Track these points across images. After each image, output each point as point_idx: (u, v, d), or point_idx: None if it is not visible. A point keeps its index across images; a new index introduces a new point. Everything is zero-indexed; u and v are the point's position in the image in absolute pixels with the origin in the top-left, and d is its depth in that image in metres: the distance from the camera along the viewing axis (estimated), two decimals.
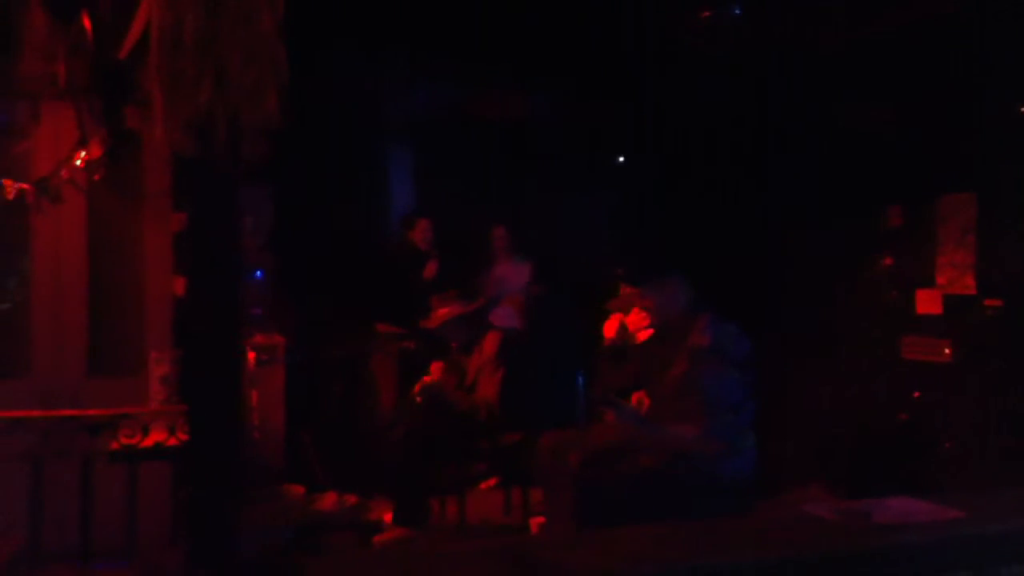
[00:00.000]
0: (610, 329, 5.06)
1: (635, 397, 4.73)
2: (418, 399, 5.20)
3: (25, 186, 5.13)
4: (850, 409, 5.76)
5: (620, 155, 6.59)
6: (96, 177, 5.11)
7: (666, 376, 4.75)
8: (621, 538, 3.03)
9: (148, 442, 3.70)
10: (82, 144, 5.17)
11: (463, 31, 5.48)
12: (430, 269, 6.08)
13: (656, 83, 5.92)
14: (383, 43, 5.52)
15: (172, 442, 3.68)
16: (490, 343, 5.32)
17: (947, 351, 5.36)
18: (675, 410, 4.69)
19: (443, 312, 5.67)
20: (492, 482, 5.33)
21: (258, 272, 5.80)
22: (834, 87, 5.65)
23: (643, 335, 4.97)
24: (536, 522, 4.89)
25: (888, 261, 5.76)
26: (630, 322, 4.99)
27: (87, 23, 5.01)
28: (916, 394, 5.56)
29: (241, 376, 2.96)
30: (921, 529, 3.12)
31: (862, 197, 5.72)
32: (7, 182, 5.13)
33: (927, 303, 5.58)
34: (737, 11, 5.25)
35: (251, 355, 4.95)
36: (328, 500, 4.93)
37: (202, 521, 2.61)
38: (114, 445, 3.70)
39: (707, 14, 5.26)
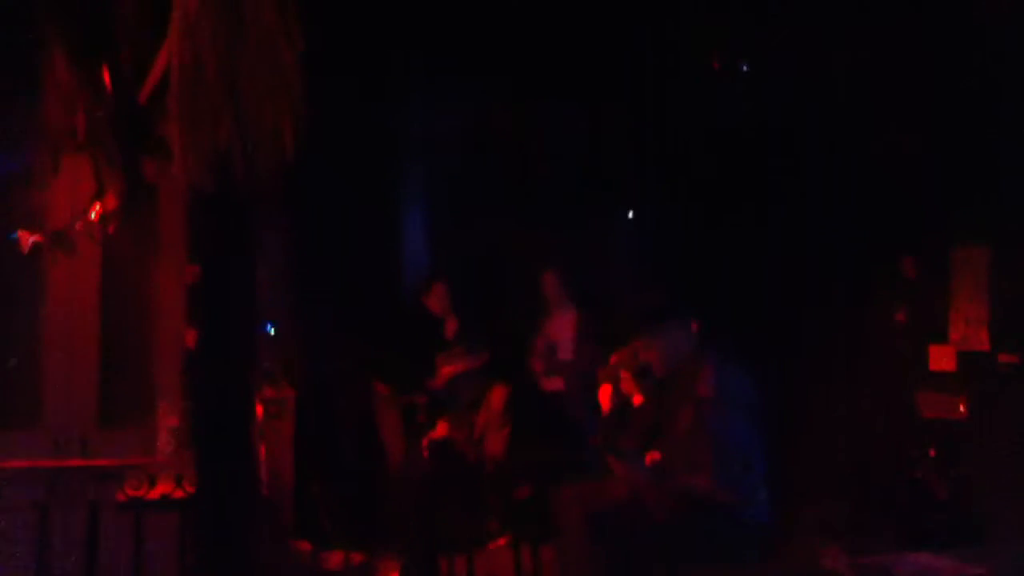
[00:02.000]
0: (604, 399, 5.05)
1: (649, 457, 4.68)
2: (425, 454, 5.15)
3: (39, 238, 5.18)
4: (864, 464, 5.68)
5: (631, 208, 6.62)
6: (111, 229, 5.15)
7: (674, 428, 4.72)
8: None
9: (155, 494, 3.67)
10: (99, 195, 5.23)
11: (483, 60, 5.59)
12: (449, 331, 6.02)
13: (671, 137, 5.98)
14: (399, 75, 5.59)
15: (179, 494, 3.64)
16: (497, 398, 5.29)
17: (962, 408, 5.30)
18: (685, 461, 4.65)
19: (448, 371, 5.64)
20: (502, 541, 5.24)
21: (268, 325, 5.79)
22: (849, 136, 5.69)
23: (637, 400, 4.96)
24: None
25: (901, 314, 5.73)
26: (623, 389, 4.97)
27: (107, 73, 5.11)
28: (932, 452, 5.48)
29: (252, 430, 2.95)
30: None
31: (876, 246, 5.72)
32: (22, 234, 5.18)
33: (941, 359, 5.54)
34: (744, 68, 5.32)
35: (259, 408, 4.92)
36: (335, 559, 4.86)
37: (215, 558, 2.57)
38: (121, 496, 3.67)
39: (716, 65, 5.34)
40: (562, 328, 6.02)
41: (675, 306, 5.29)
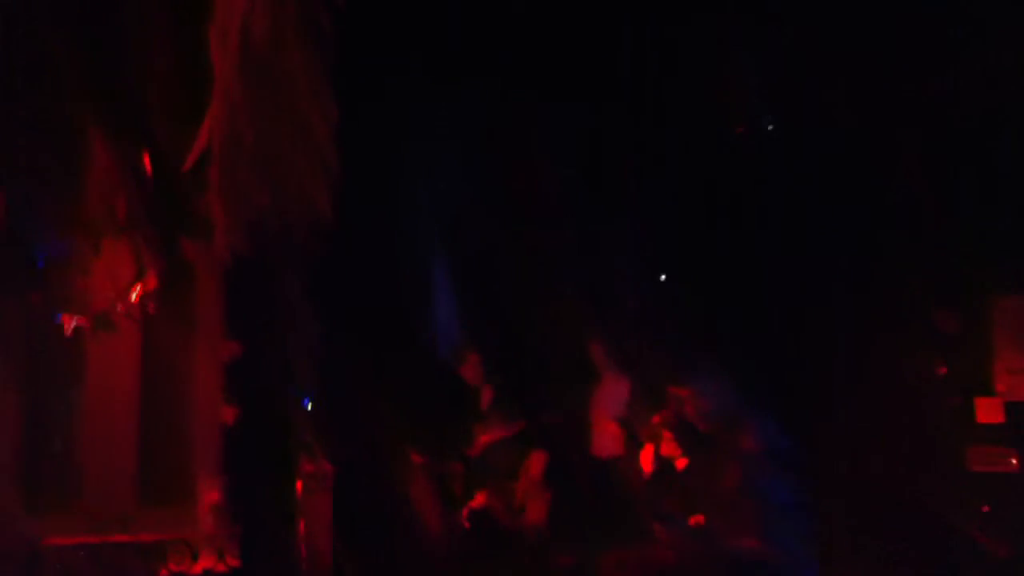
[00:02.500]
0: (646, 459, 5.01)
1: (692, 520, 4.62)
2: (466, 524, 5.10)
3: (82, 321, 5.27)
4: (916, 524, 5.52)
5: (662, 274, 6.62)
6: (151, 309, 5.23)
7: (719, 487, 4.65)
8: None
9: (197, 568, 3.65)
10: (139, 276, 5.33)
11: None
12: (484, 400, 6.00)
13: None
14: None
15: (221, 568, 3.62)
16: (536, 464, 5.25)
17: (1014, 461, 5.17)
18: (732, 522, 4.58)
19: (486, 439, 5.61)
20: None
21: (306, 400, 5.80)
22: (887, 188, 5.68)
23: (681, 463, 4.91)
24: None
25: (943, 368, 5.63)
26: (664, 452, 4.94)
27: (146, 157, 5.26)
28: (985, 508, 5.33)
29: (293, 505, 2.95)
30: None
31: (914, 298, 5.65)
32: (65, 317, 5.28)
33: (988, 412, 5.42)
34: (769, 127, 5.37)
35: (299, 484, 4.90)
36: None
37: None
38: (164, 572, 3.66)
39: (740, 130, 5.39)
40: (617, 393, 5.97)
41: (714, 359, 5.28)
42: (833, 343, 5.87)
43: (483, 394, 6.01)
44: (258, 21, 3.10)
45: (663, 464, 4.86)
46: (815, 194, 5.84)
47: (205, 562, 3.70)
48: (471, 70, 5.52)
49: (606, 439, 6.00)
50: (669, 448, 4.85)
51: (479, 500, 5.19)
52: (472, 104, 5.72)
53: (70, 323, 5.11)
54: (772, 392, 4.98)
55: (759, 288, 6.00)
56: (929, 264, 5.62)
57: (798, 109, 5.79)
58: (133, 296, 5.23)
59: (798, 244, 5.87)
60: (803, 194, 5.89)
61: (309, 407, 5.69)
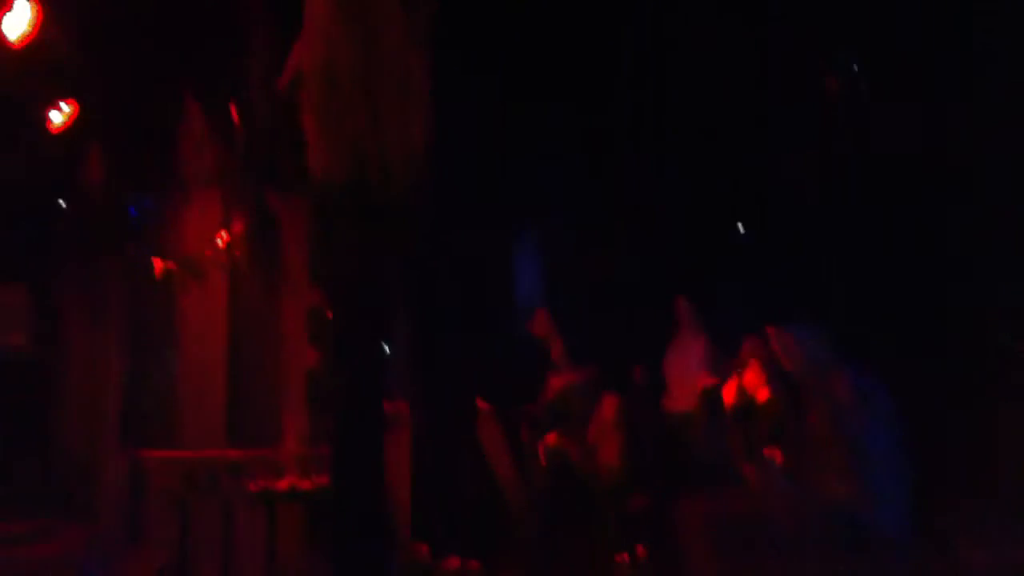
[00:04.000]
0: (728, 394, 5.00)
1: (766, 453, 4.61)
2: (543, 462, 5.19)
3: (172, 265, 5.53)
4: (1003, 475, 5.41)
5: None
6: (237, 254, 5.45)
7: (805, 432, 4.62)
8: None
9: (283, 484, 3.83)
10: (225, 225, 5.57)
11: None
12: (554, 354, 6.11)
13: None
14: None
15: (306, 485, 3.79)
16: (608, 408, 5.30)
17: None
18: (818, 465, 4.54)
19: (558, 383, 5.70)
20: (625, 556, 5.17)
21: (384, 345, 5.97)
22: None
23: (762, 394, 4.89)
24: None
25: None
26: (747, 383, 4.92)
27: (235, 115, 5.48)
28: None
29: (380, 432, 3.08)
30: None
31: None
32: (156, 261, 5.55)
33: None
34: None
35: None
36: (452, 564, 4.92)
37: (347, 554, 2.67)
38: (252, 487, 3.85)
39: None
40: (691, 352, 6.02)
41: (809, 311, 5.24)
42: (930, 303, 5.78)
43: (553, 348, 6.10)
44: None
45: (746, 397, 4.86)
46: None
47: (291, 478, 3.87)
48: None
49: (679, 394, 6.05)
50: (752, 379, 4.84)
51: (551, 439, 5.27)
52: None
53: (160, 267, 5.37)
54: (867, 341, 4.95)
55: (854, 237, 5.95)
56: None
57: None
58: (220, 243, 5.47)
59: (895, 192, 5.80)
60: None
61: (388, 350, 5.87)
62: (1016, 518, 4.82)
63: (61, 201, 5.59)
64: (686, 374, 5.98)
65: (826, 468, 4.43)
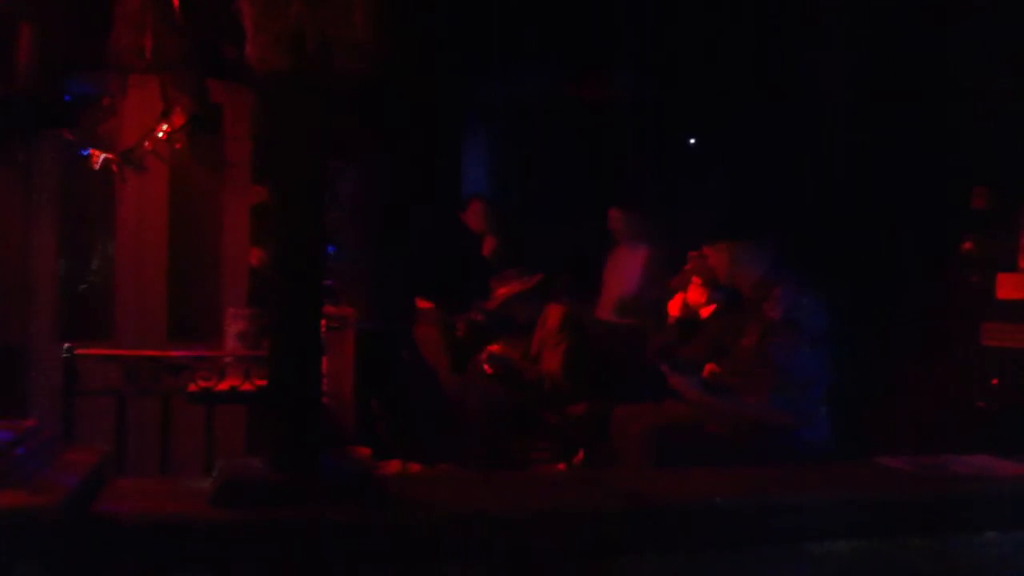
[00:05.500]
0: (674, 307, 5.06)
1: (707, 368, 4.71)
2: (487, 367, 5.23)
3: (111, 156, 5.32)
4: (927, 392, 5.61)
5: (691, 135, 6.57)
6: (177, 146, 5.26)
7: (738, 347, 4.72)
8: (696, 476, 3.04)
9: (224, 385, 3.79)
10: (166, 115, 5.35)
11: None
12: (486, 248, 6.09)
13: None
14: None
15: (247, 387, 3.76)
16: (552, 317, 5.35)
17: None
18: (746, 381, 4.66)
19: (503, 292, 5.71)
20: (562, 466, 5.28)
21: (331, 247, 5.90)
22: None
23: (706, 311, 4.96)
24: None
25: (969, 244, 5.62)
26: (691, 299, 4.99)
27: None
28: (995, 381, 5.39)
29: (317, 338, 3.04)
30: (1001, 481, 3.04)
31: (948, 176, 5.61)
32: (94, 152, 5.33)
33: (1009, 288, 5.42)
34: None
35: (322, 323, 5.03)
36: (392, 466, 4.98)
37: (282, 433, 2.68)
38: (192, 387, 3.81)
39: None
40: (626, 263, 6.04)
41: (748, 223, 5.28)
42: (866, 217, 5.86)
43: (486, 242, 6.08)
44: None
45: (690, 312, 4.92)
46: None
47: (232, 380, 3.83)
48: None
49: (606, 305, 6.10)
50: (695, 295, 4.91)
51: (495, 347, 5.31)
52: None
53: (99, 158, 5.16)
54: (802, 263, 5.02)
55: (794, 157, 5.98)
56: (966, 142, 5.56)
57: None
58: (160, 134, 5.26)
59: (835, 111, 5.81)
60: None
61: (332, 251, 5.80)
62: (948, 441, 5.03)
63: None
64: (617, 285, 6.03)
65: (748, 383, 4.56)
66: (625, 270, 6.05)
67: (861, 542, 2.73)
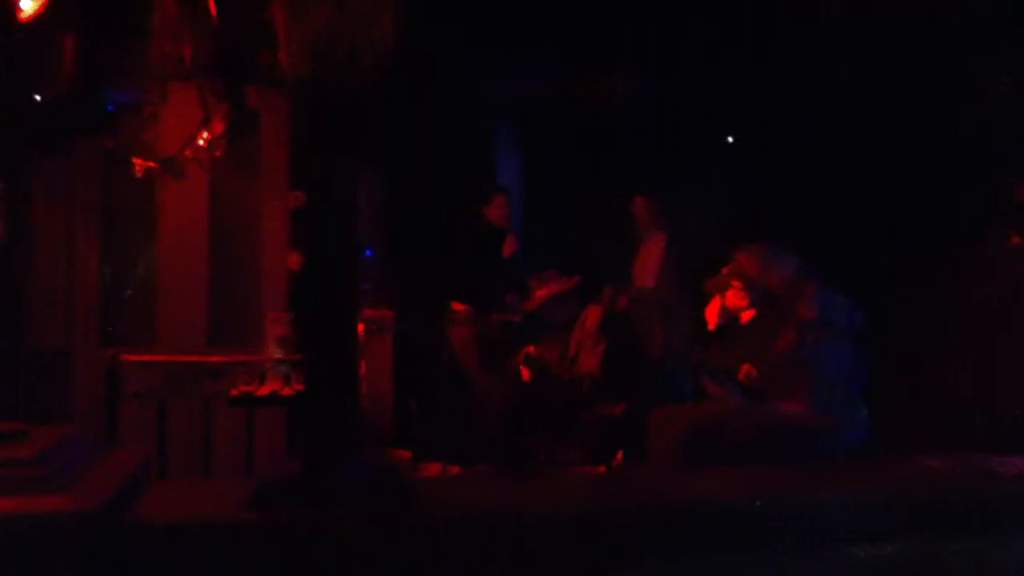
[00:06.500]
0: (712, 312, 5.02)
1: (744, 370, 4.66)
2: (523, 369, 5.23)
3: (152, 165, 5.40)
4: (970, 394, 5.50)
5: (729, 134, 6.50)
6: (217, 154, 5.33)
7: (773, 349, 4.67)
8: (732, 476, 3.01)
9: (264, 390, 3.83)
10: (205, 123, 5.43)
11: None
12: (508, 247, 6.03)
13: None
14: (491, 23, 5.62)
15: (287, 391, 3.80)
16: (591, 318, 5.32)
17: None
18: (782, 383, 4.61)
19: (542, 293, 5.70)
20: (603, 469, 5.24)
21: (368, 251, 5.94)
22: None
23: (746, 316, 4.91)
24: None
25: (1016, 238, 5.49)
26: (729, 304, 4.93)
27: (212, 5, 5.28)
28: None
29: (355, 343, 3.06)
30: None
31: (992, 171, 5.49)
32: (136, 161, 5.42)
33: None
34: None
35: (360, 327, 5.06)
36: (432, 469, 5.00)
37: (318, 437, 2.70)
38: (233, 391, 3.85)
39: None
40: (649, 254, 5.97)
41: (775, 227, 5.23)
42: (907, 215, 5.76)
43: (507, 238, 6.04)
44: None
45: (730, 317, 4.88)
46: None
47: (272, 384, 3.86)
48: None
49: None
50: (735, 299, 4.86)
51: (531, 349, 5.30)
52: None
53: (141, 166, 5.24)
54: (836, 263, 4.95)
55: (828, 159, 5.89)
56: (1008, 134, 5.45)
57: None
58: (200, 142, 5.33)
59: (869, 114, 5.72)
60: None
61: (370, 256, 5.83)
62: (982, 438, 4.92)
63: (34, 93, 5.41)
64: (642, 278, 5.96)
65: (787, 386, 4.52)
66: (647, 261, 5.98)
67: (910, 542, 2.69)
